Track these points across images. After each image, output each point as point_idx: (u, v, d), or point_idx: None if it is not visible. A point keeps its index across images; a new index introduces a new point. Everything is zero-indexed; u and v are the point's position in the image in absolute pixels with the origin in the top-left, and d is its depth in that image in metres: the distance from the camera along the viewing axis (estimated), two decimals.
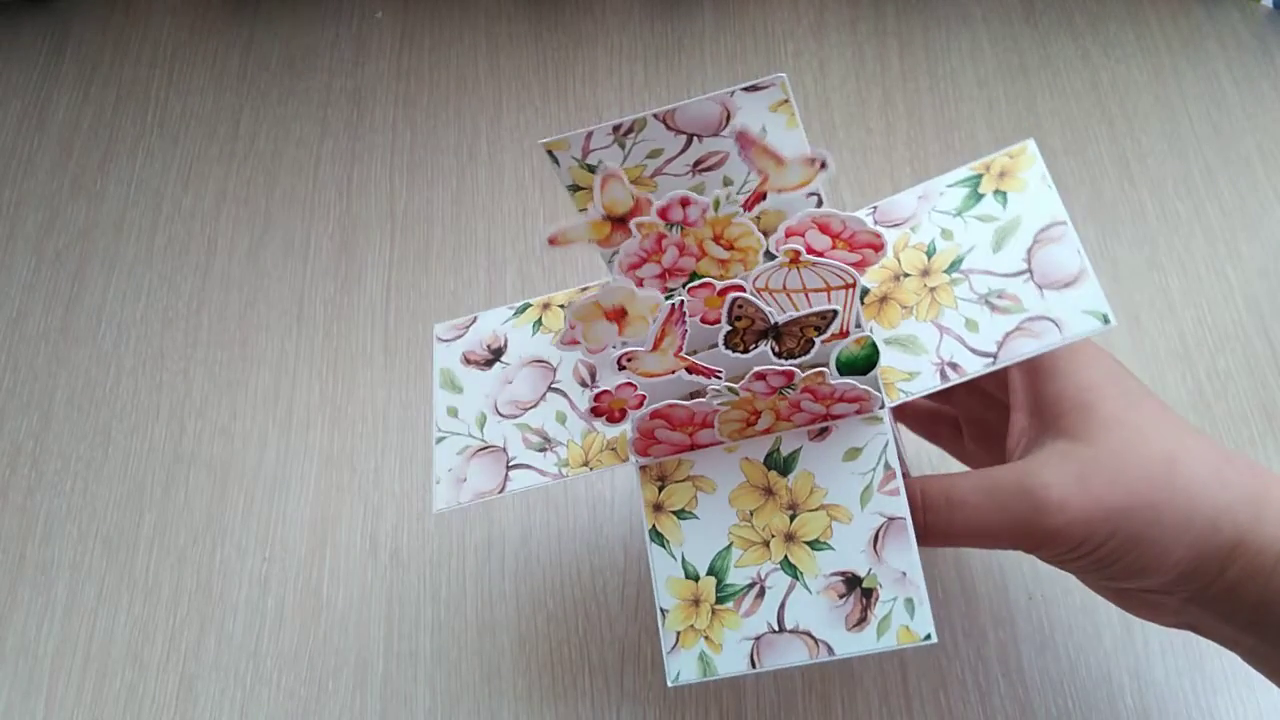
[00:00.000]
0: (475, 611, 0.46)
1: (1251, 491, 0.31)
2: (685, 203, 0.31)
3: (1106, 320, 0.31)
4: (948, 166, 0.36)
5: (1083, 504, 0.31)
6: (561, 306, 0.38)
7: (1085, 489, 0.31)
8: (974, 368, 0.32)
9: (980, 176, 0.35)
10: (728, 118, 0.31)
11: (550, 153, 0.33)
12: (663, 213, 0.31)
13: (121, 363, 0.53)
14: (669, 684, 0.31)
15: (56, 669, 0.46)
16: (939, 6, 0.60)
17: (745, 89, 0.31)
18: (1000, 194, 0.34)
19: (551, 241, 0.32)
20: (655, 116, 0.32)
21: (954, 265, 0.34)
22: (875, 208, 0.36)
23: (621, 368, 0.31)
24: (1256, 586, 0.31)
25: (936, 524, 0.32)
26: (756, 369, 0.31)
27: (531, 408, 0.37)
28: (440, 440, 0.37)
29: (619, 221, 0.32)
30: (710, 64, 0.59)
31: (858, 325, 0.32)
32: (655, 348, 0.31)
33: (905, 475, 0.33)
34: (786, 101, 0.32)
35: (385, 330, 0.53)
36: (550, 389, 0.37)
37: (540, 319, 0.39)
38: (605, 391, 0.32)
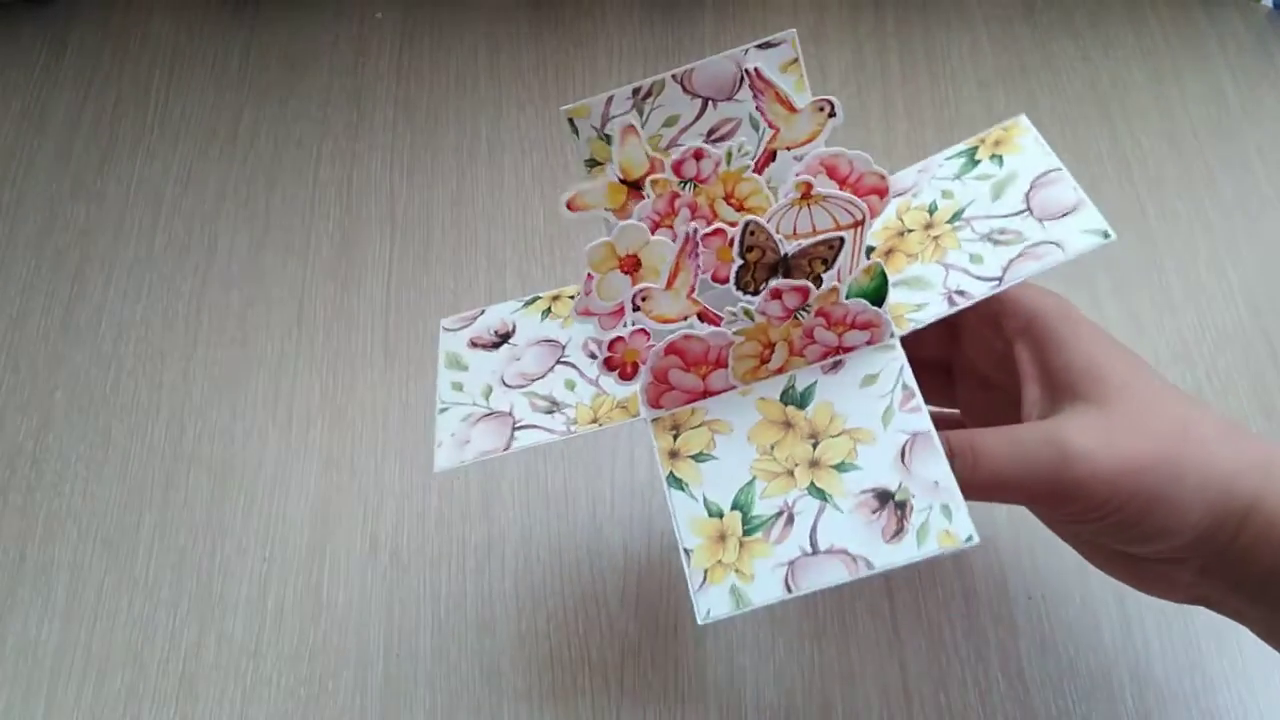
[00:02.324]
0: (475, 611, 0.46)
1: (1261, 457, 0.31)
2: (699, 155, 0.31)
3: (1107, 235, 0.32)
4: None
5: (1109, 456, 0.31)
6: (571, 297, 0.38)
7: (1108, 444, 0.31)
8: (980, 291, 0.33)
9: (976, 147, 0.36)
10: (741, 79, 0.32)
11: (571, 121, 0.33)
12: (676, 167, 0.32)
13: (121, 363, 0.53)
14: (699, 622, 0.30)
15: (56, 669, 0.46)
16: (939, 7, 0.60)
17: (758, 46, 0.32)
18: (996, 157, 0.35)
19: (569, 206, 0.33)
20: (674, 78, 0.32)
21: (956, 216, 0.35)
22: None
23: (636, 308, 0.31)
24: (1266, 555, 0.31)
25: (962, 474, 0.31)
26: (773, 285, 0.31)
27: (539, 379, 0.36)
28: (443, 410, 0.36)
29: (634, 188, 0.32)
30: None
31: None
32: (669, 285, 0.31)
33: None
34: (796, 61, 0.32)
35: (385, 330, 0.53)
36: (559, 362, 0.37)
37: (549, 308, 0.38)
38: (619, 339, 0.32)
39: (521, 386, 0.36)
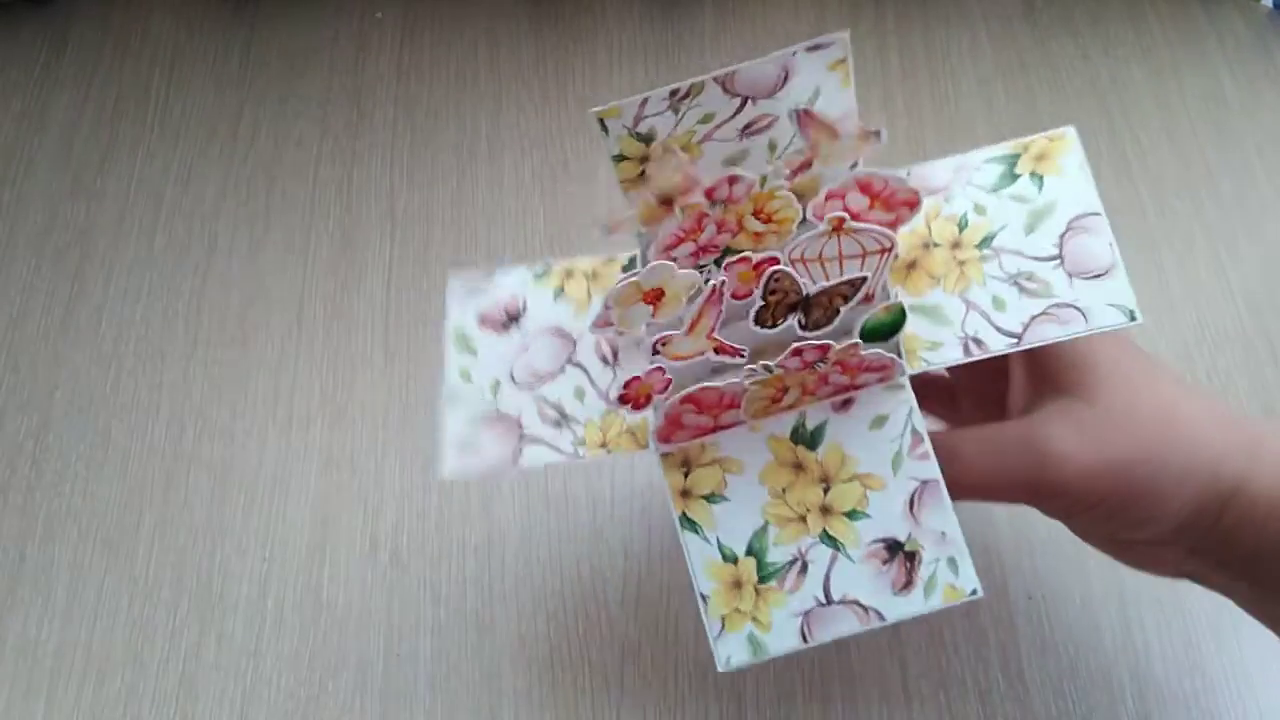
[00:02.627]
0: (475, 612, 0.46)
1: (1246, 442, 0.32)
2: (733, 181, 0.31)
3: (1133, 316, 0.32)
4: None
5: (1087, 457, 0.31)
6: (585, 275, 0.37)
7: (1089, 442, 0.31)
8: (998, 346, 0.32)
9: (1018, 156, 0.35)
10: (785, 78, 0.31)
11: (601, 121, 0.31)
12: (709, 193, 0.31)
13: (121, 363, 0.53)
14: (719, 669, 0.31)
15: (56, 669, 0.46)
16: (939, 5, 0.60)
17: (808, 49, 0.30)
18: (1037, 176, 0.34)
19: (611, 230, 0.32)
20: (715, 80, 0.31)
21: (985, 241, 0.34)
22: (909, 172, 0.36)
23: (655, 352, 0.31)
24: (1250, 536, 0.32)
25: (943, 479, 0.32)
26: (793, 346, 0.31)
27: (549, 379, 0.36)
28: (451, 401, 0.36)
29: (666, 202, 0.32)
30: (711, 63, 0.59)
31: (884, 291, 0.32)
32: (690, 330, 0.31)
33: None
34: (844, 61, 0.31)
35: (385, 330, 0.53)
36: (570, 363, 0.36)
37: (562, 286, 0.37)
38: (636, 379, 0.31)
39: (531, 387, 0.36)
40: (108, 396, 0.52)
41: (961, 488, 0.33)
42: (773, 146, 0.33)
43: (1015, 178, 0.35)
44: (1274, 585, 0.33)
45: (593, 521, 0.47)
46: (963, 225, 0.35)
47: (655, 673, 0.44)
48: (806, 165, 0.32)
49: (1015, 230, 0.34)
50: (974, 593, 0.31)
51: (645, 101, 0.31)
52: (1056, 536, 0.46)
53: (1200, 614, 0.44)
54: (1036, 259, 0.33)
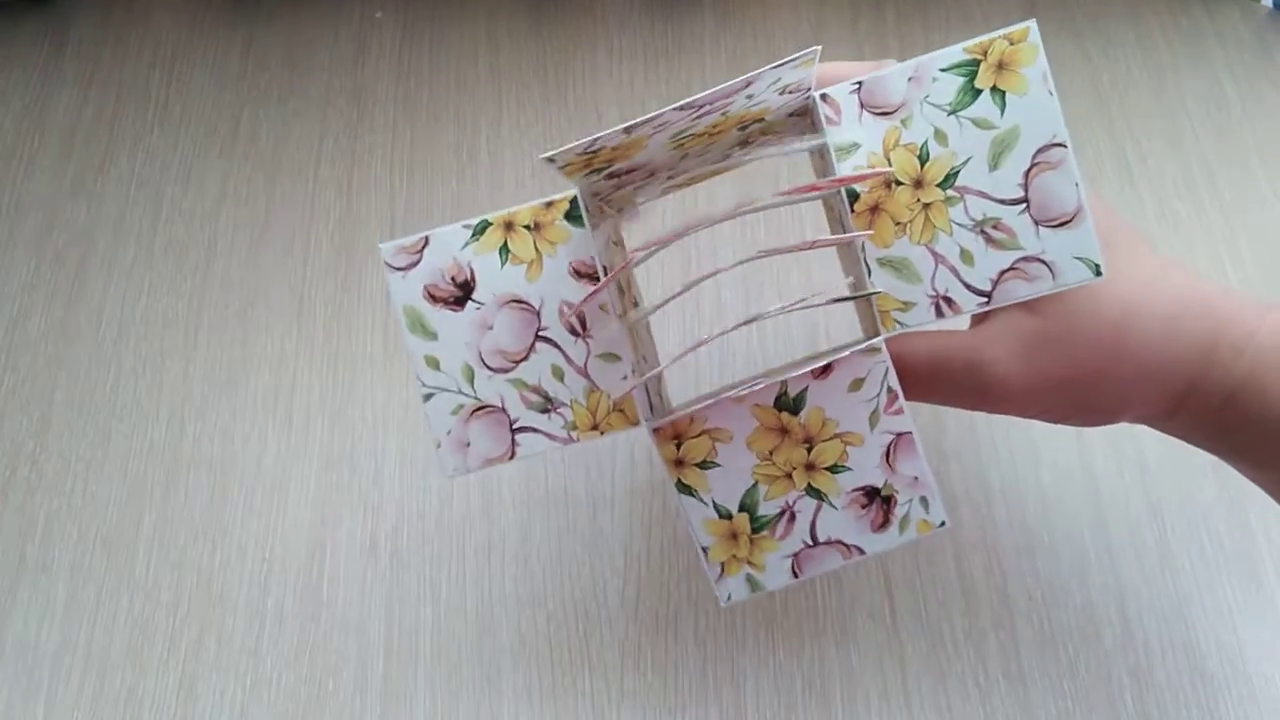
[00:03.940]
0: (475, 611, 0.46)
1: (1204, 340, 0.32)
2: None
3: (1098, 271, 0.32)
4: None
5: (1026, 378, 0.33)
6: (526, 227, 0.36)
7: (1029, 364, 0.33)
8: (969, 306, 0.33)
9: (977, 65, 0.34)
10: (748, 85, 0.31)
11: (550, 159, 0.31)
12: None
13: (121, 363, 0.53)
14: (721, 604, 0.35)
15: (56, 669, 0.46)
16: (939, 5, 0.60)
17: (774, 67, 0.30)
18: (998, 93, 0.33)
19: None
20: (676, 109, 0.30)
21: (949, 179, 0.33)
22: (860, 84, 0.34)
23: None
24: (1207, 424, 0.33)
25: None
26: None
27: (522, 360, 0.35)
28: (429, 397, 0.35)
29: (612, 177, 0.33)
30: (710, 64, 0.59)
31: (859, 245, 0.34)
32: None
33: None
34: (811, 60, 0.31)
35: (385, 330, 0.53)
36: (538, 338, 0.35)
37: (506, 244, 0.36)
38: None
39: (505, 371, 0.35)
40: (108, 396, 0.52)
41: (909, 393, 0.34)
42: (725, 114, 0.33)
43: (976, 94, 0.33)
44: (1239, 455, 0.34)
45: (593, 521, 0.47)
46: (924, 158, 0.34)
47: (655, 673, 0.44)
48: (761, 117, 0.33)
49: (979, 165, 0.33)
50: (943, 524, 0.34)
51: (595, 140, 0.31)
52: (1056, 537, 0.46)
53: (1201, 615, 0.44)
54: (1002, 202, 0.33)
